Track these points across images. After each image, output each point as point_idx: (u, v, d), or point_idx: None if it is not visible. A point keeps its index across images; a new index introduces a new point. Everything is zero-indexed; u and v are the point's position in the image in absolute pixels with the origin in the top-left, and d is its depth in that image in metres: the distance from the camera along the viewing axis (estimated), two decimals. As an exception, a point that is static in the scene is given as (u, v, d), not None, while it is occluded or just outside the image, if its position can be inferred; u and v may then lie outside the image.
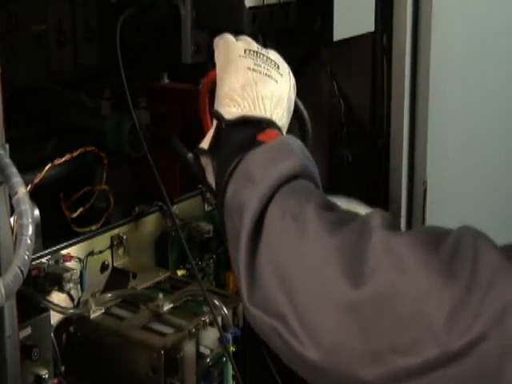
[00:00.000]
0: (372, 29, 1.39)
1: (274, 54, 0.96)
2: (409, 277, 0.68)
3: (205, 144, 0.90)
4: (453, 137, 1.57)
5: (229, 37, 0.97)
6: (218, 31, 1.21)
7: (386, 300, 0.68)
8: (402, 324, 0.68)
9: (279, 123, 0.91)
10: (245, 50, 0.94)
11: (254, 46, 0.96)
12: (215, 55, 0.96)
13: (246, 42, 0.96)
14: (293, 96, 0.95)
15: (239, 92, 0.90)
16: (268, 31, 1.22)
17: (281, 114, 0.91)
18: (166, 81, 1.43)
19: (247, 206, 0.79)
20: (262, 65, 0.92)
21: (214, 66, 0.98)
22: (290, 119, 0.95)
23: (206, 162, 0.91)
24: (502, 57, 1.71)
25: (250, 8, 1.16)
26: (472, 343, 0.65)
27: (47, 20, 1.31)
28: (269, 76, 0.92)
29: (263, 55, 0.94)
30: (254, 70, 0.91)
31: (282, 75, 0.94)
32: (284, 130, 0.92)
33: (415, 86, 1.44)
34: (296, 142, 0.87)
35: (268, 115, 0.89)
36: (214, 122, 0.91)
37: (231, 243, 0.83)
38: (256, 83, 0.90)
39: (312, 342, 0.72)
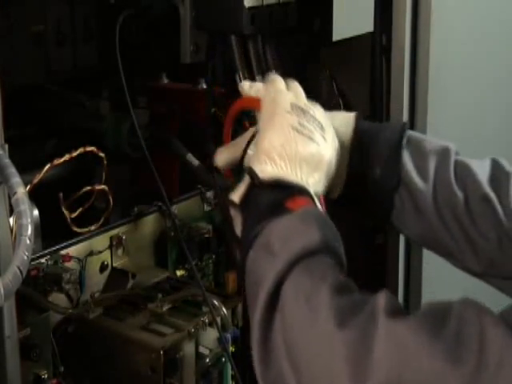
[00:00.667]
0: (371, 29, 1.39)
1: (319, 113, 0.93)
2: (414, 365, 0.67)
3: (236, 197, 0.89)
4: (452, 137, 1.57)
5: (279, 83, 0.96)
6: (217, 31, 1.22)
7: None
8: None
9: (314, 188, 0.89)
10: (292, 106, 0.91)
11: (302, 99, 0.94)
12: (262, 96, 0.95)
13: (295, 94, 0.94)
14: (334, 160, 0.92)
15: (278, 150, 0.88)
16: (267, 31, 1.22)
17: (317, 179, 0.90)
18: (165, 81, 1.43)
19: (264, 280, 0.79)
20: (307, 125, 0.90)
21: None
22: (328, 183, 0.93)
23: (235, 214, 0.90)
24: (501, 57, 1.71)
25: (249, 8, 1.15)
26: None
27: (46, 20, 1.31)
28: (311, 139, 0.90)
29: (309, 114, 0.92)
30: (297, 130, 0.89)
31: (325, 139, 0.91)
32: (319, 195, 0.90)
33: (414, 86, 1.44)
34: (319, 214, 0.85)
35: (303, 180, 0.88)
36: (247, 177, 0.89)
37: (249, 305, 0.83)
38: (297, 144, 0.88)
39: None
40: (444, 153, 1.00)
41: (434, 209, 0.97)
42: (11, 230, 0.88)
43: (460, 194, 0.96)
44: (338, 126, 0.98)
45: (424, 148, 1.00)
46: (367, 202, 1.01)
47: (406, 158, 0.99)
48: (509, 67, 1.75)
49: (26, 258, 0.80)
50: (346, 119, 1.01)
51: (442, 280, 1.49)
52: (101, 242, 1.19)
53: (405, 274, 1.53)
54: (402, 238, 1.50)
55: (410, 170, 0.98)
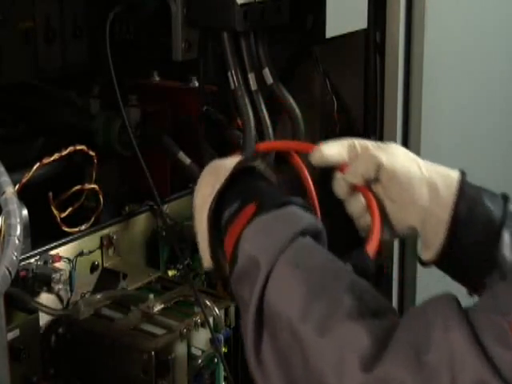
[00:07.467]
0: (365, 26, 1.38)
1: None
2: None
3: None
4: (446, 134, 1.57)
5: None
6: (209, 28, 1.21)
7: None
8: None
9: None
10: None
11: None
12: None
13: None
14: None
15: None
16: (260, 28, 1.22)
17: None
18: (157, 78, 1.42)
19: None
20: None
21: None
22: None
23: None
24: (496, 54, 1.71)
25: (242, 5, 1.15)
26: None
27: (35, 16, 1.29)
28: None
29: None
30: None
31: None
32: None
33: (408, 83, 1.44)
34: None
35: None
36: None
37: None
38: None
39: None
40: None
41: None
42: (0, 230, 0.87)
43: None
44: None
45: None
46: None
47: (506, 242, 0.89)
48: (504, 63, 1.74)
49: (14, 258, 0.79)
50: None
51: (437, 288, 1.48)
52: (91, 241, 1.18)
53: (399, 283, 1.51)
54: (396, 245, 1.48)
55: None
